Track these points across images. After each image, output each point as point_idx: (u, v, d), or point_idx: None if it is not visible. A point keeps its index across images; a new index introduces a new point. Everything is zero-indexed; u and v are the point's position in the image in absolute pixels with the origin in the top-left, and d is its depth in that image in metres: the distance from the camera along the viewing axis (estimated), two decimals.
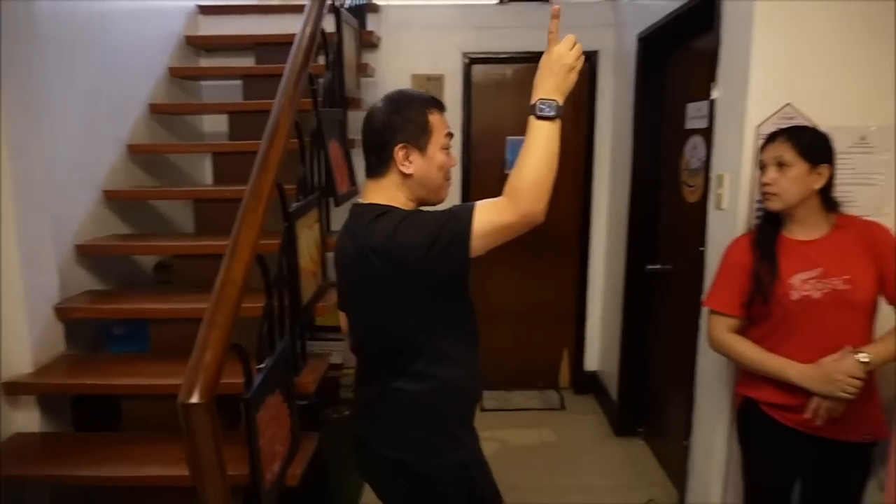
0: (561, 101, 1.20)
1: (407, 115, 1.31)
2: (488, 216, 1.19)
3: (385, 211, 1.29)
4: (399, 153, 1.31)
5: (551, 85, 1.20)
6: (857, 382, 1.50)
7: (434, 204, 1.41)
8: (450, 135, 1.37)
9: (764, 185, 1.64)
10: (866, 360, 1.50)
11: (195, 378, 1.22)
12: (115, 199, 2.47)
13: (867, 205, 1.84)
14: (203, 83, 3.36)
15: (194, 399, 1.20)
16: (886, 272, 1.58)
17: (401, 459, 1.36)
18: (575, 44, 1.22)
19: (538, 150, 1.18)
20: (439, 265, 1.22)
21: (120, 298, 2.27)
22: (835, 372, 1.51)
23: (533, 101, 1.21)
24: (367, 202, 1.35)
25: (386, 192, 1.34)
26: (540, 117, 1.19)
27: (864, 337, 1.59)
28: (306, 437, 1.88)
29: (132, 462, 1.84)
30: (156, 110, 2.81)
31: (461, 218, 1.19)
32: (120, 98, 2.59)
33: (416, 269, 1.23)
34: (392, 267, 1.24)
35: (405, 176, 1.32)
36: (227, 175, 2.74)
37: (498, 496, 1.47)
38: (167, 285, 2.53)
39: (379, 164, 1.34)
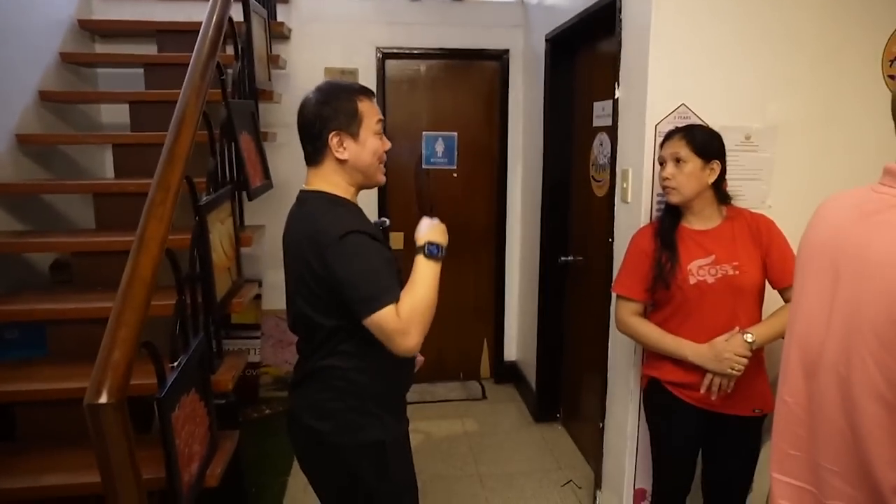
0: (443, 245, 1.39)
1: (336, 105, 1.39)
2: (387, 319, 1.26)
3: (338, 202, 1.39)
4: (333, 140, 1.39)
5: (435, 234, 1.40)
6: (744, 360, 1.64)
7: (371, 187, 1.49)
8: (381, 120, 1.45)
9: (664, 179, 1.76)
10: (751, 339, 1.66)
11: (103, 377, 1.16)
12: (3, 194, 2.28)
13: (753, 198, 2.02)
14: (100, 71, 3.16)
15: (103, 399, 1.13)
16: (770, 259, 1.74)
17: (323, 430, 1.42)
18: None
19: (424, 287, 1.32)
20: (341, 297, 1.32)
21: (12, 300, 2.09)
22: (724, 351, 1.65)
23: (421, 244, 1.37)
24: (312, 188, 1.43)
25: (326, 179, 1.42)
26: (428, 258, 1.35)
27: (753, 318, 1.74)
28: (226, 437, 1.82)
29: (32, 473, 1.71)
30: (46, 98, 2.61)
31: (377, 299, 1.27)
32: (5, 84, 2.39)
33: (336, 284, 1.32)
34: (322, 264, 1.31)
35: (341, 162, 1.41)
36: (129, 168, 2.59)
37: (413, 488, 1.53)
38: (66, 285, 2.37)
39: (315, 153, 1.42)
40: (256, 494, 2.59)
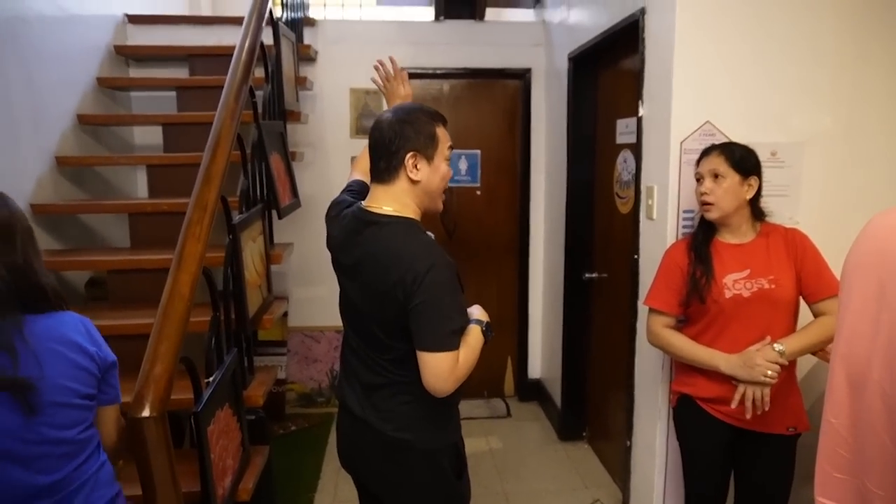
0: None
1: (417, 126, 1.41)
2: (448, 363, 1.33)
3: (419, 229, 1.42)
4: (409, 161, 1.40)
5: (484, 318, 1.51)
6: (776, 367, 1.63)
7: (433, 212, 1.51)
8: (451, 147, 1.48)
9: (702, 194, 1.77)
10: (781, 349, 1.65)
11: (146, 391, 1.19)
12: (43, 214, 2.35)
13: (779, 214, 2.00)
14: (133, 94, 3.26)
15: (145, 413, 1.17)
16: (804, 273, 1.73)
17: (409, 439, 1.46)
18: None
19: (474, 353, 1.42)
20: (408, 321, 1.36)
21: None
22: (756, 358, 1.65)
23: (483, 320, 1.49)
24: (381, 211, 1.42)
25: (397, 199, 1.43)
26: (485, 336, 1.47)
27: (787, 332, 1.73)
28: (256, 451, 1.85)
29: None
30: (85, 121, 2.70)
31: (447, 339, 1.33)
32: (46, 109, 2.48)
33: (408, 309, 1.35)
34: (408, 293, 1.33)
35: (413, 183, 1.41)
36: (162, 189, 2.66)
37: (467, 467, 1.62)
38: (101, 302, 2.43)
39: (388, 171, 1.42)
40: None
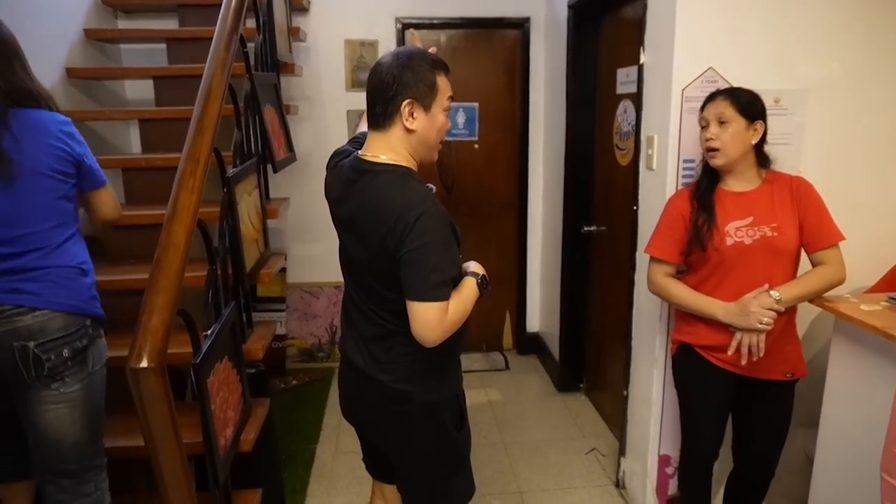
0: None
1: (417, 73, 1.35)
2: (437, 312, 1.31)
3: (410, 176, 1.38)
4: (405, 108, 1.35)
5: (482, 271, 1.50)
6: (772, 314, 1.64)
7: (428, 163, 1.47)
8: (451, 97, 1.43)
9: (707, 140, 1.74)
10: (778, 296, 1.66)
11: (143, 342, 1.19)
12: None
13: (782, 163, 1.97)
14: (123, 47, 3.18)
15: (143, 363, 1.17)
16: (807, 222, 1.72)
17: (411, 391, 1.46)
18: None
19: (468, 303, 1.41)
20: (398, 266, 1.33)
21: None
22: (751, 305, 1.65)
23: (480, 273, 1.48)
24: (376, 160, 1.39)
25: (393, 148, 1.39)
26: (478, 286, 1.45)
27: (788, 280, 1.73)
28: (258, 403, 1.87)
29: None
30: (73, 75, 2.64)
31: (436, 289, 1.31)
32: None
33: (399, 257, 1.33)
34: (398, 242, 1.31)
35: (408, 131, 1.38)
36: (155, 143, 2.62)
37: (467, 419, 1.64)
38: (99, 258, 2.41)
39: (383, 116, 1.38)
40: (287, 461, 2.66)
